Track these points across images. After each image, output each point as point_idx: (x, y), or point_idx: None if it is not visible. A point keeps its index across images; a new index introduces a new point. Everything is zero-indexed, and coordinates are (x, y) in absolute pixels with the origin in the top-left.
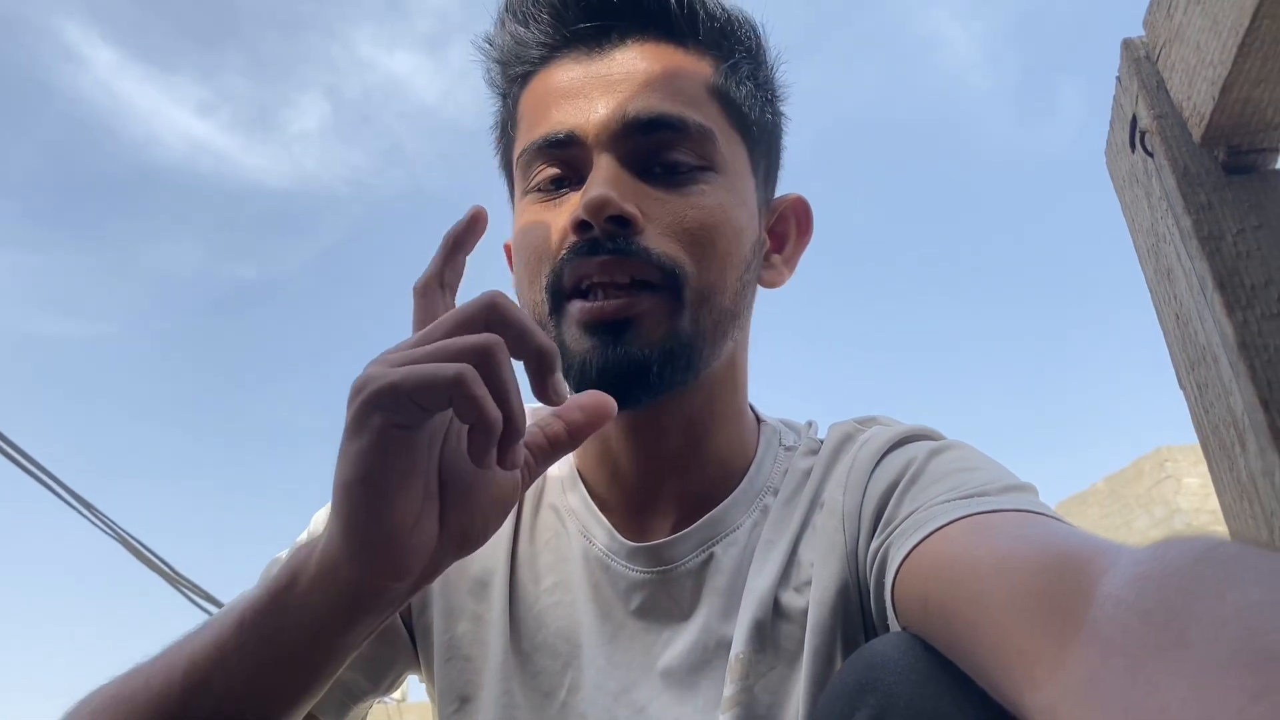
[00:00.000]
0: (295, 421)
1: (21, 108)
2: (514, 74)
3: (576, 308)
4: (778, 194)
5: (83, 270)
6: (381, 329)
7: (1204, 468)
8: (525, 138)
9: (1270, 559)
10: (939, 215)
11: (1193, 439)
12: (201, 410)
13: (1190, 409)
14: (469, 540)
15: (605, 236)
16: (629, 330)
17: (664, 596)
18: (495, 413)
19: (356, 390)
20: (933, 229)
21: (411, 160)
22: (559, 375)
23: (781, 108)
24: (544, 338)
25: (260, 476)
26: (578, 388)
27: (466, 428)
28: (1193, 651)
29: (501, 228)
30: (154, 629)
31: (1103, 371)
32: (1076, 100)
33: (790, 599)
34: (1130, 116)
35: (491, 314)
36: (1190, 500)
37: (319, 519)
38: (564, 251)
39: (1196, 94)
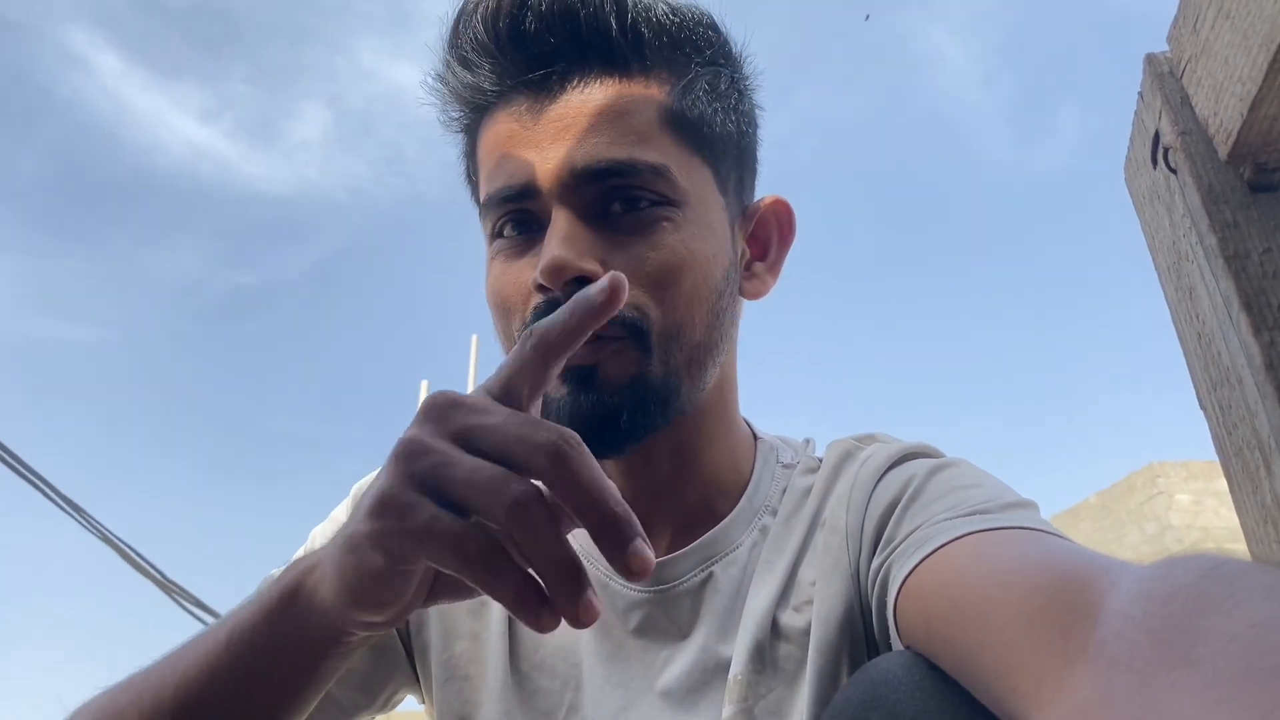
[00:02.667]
0: (292, 429)
1: (24, 113)
2: (471, 108)
3: None
4: (758, 194)
5: (82, 275)
6: (380, 337)
7: (1196, 484)
8: (484, 188)
9: (1276, 575)
10: (936, 231)
11: (1185, 455)
12: (198, 417)
13: (1212, 430)
14: (464, 588)
15: (567, 297)
16: (596, 376)
17: (662, 616)
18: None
19: (382, 506)
20: (930, 244)
21: (413, 170)
22: (636, 546)
23: (753, 100)
24: (617, 503)
25: (256, 484)
26: None
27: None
28: (1200, 669)
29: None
30: (145, 635)
31: (1095, 387)
32: (1072, 113)
33: (789, 619)
34: (1153, 132)
35: (559, 470)
36: (1182, 516)
37: (317, 535)
38: (529, 311)
39: (1224, 110)
